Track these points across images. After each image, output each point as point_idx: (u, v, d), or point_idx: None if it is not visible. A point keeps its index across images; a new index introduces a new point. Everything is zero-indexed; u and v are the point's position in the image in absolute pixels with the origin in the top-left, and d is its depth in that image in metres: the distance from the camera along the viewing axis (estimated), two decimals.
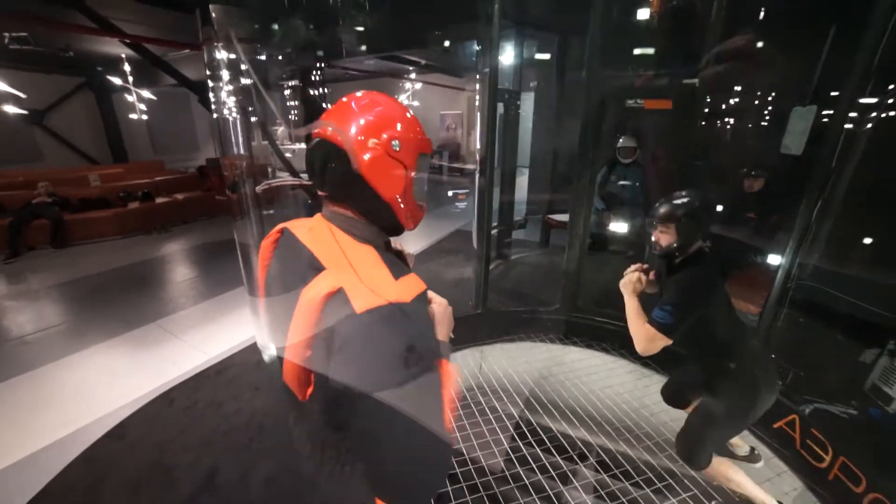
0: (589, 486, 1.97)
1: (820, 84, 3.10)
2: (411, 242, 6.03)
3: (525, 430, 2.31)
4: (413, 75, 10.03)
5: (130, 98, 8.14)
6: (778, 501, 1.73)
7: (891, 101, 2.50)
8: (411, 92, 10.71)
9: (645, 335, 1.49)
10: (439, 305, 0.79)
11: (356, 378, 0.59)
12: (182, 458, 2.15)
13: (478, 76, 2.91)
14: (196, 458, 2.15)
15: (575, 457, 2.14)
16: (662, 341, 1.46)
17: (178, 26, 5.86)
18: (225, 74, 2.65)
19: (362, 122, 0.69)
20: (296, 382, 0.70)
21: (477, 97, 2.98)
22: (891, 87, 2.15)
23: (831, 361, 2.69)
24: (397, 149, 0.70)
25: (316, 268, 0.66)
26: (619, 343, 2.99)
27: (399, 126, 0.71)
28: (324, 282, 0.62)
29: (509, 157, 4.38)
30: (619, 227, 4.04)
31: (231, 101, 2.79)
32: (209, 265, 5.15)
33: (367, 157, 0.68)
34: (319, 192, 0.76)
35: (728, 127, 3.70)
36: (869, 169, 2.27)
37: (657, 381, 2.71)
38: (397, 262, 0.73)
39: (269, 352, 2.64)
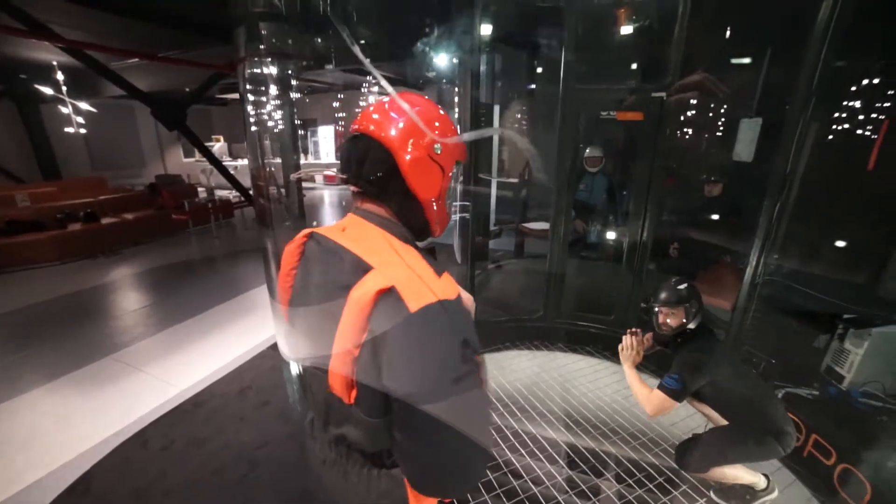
0: (584, 494, 2.01)
1: (762, 99, 3.46)
2: None
3: (514, 441, 2.32)
4: (376, 88, 10.00)
5: (65, 110, 7.43)
6: (763, 474, 1.88)
7: (836, 115, 2.83)
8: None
9: (656, 402, 1.66)
10: (468, 299, 0.79)
11: (417, 377, 0.58)
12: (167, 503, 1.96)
13: (456, 89, 2.97)
14: (182, 502, 1.97)
15: (565, 465, 2.18)
16: (672, 405, 1.64)
17: (122, 33, 5.45)
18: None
19: (407, 121, 0.69)
20: (342, 386, 0.66)
21: (456, 109, 3.02)
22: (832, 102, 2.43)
23: (796, 349, 2.95)
24: (438, 152, 0.71)
25: (363, 268, 0.63)
26: (601, 345, 3.11)
27: (442, 128, 0.72)
28: (372, 280, 0.60)
29: (484, 168, 4.46)
30: (591, 233, 4.22)
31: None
32: (167, 290, 4.78)
33: (409, 156, 0.69)
34: (353, 188, 0.75)
35: (688, 138, 4.02)
36: (816, 176, 2.53)
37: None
38: (431, 260, 0.71)
39: (296, 361, 2.47)
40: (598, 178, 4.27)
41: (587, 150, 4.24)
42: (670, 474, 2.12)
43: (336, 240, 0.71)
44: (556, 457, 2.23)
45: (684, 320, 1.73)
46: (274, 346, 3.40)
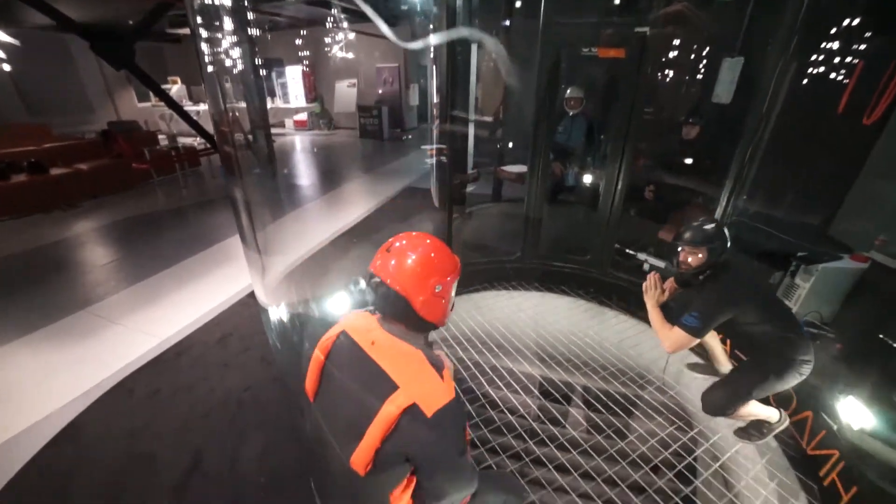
0: (555, 420, 2.19)
1: (746, 38, 3.39)
2: (362, 204, 5.85)
3: (492, 375, 2.46)
4: (345, 24, 9.19)
5: None
6: (779, 409, 1.96)
7: (813, 57, 2.80)
8: (344, 43, 9.85)
9: (675, 338, 1.73)
10: (449, 363, 1.10)
11: (443, 452, 0.91)
12: (159, 445, 2.04)
13: (431, 25, 2.78)
14: (175, 443, 2.05)
15: (539, 395, 2.35)
16: (691, 341, 1.71)
17: None
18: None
19: (413, 275, 0.94)
20: (362, 465, 0.90)
21: (431, 47, 2.84)
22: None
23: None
24: (439, 290, 0.97)
25: (390, 385, 0.88)
26: (576, 284, 3.24)
27: (439, 273, 0.97)
28: (400, 399, 0.86)
29: (461, 109, 4.30)
30: (569, 176, 4.23)
31: None
32: (135, 243, 4.60)
33: (419, 300, 0.95)
34: (378, 314, 1.03)
35: (668, 80, 3.95)
36: (789, 119, 2.57)
37: (611, 316, 3.00)
38: (432, 353, 0.99)
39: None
40: (577, 120, 4.20)
41: (568, 91, 4.13)
42: (635, 399, 2.33)
43: (368, 352, 0.95)
44: (531, 388, 2.41)
45: (705, 260, 1.73)
46: (251, 295, 3.39)
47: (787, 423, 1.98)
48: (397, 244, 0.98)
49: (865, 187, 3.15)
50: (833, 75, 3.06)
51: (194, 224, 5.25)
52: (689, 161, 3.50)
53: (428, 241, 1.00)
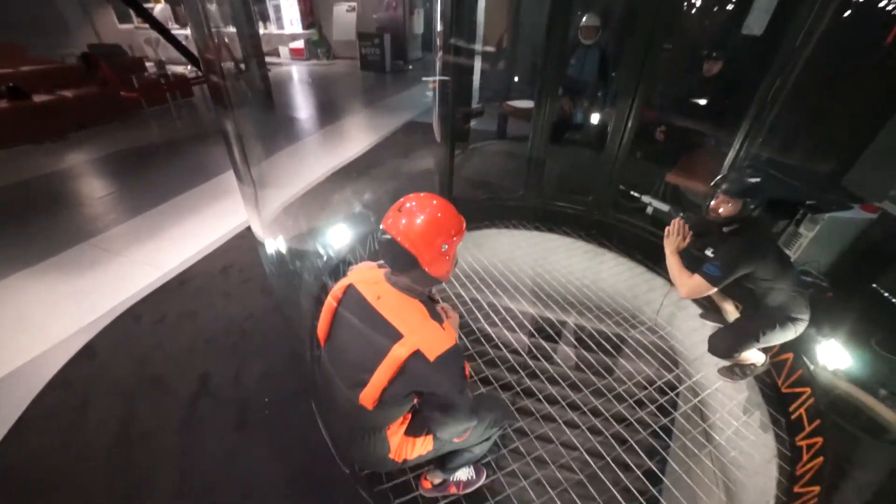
0: (549, 357, 2.28)
1: None
2: (363, 138, 5.66)
3: (489, 311, 2.52)
4: None
5: None
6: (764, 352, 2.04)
7: None
8: None
9: (693, 285, 1.76)
10: (454, 318, 1.26)
11: (445, 391, 1.03)
12: (168, 367, 2.16)
13: None
14: (183, 365, 2.16)
15: (537, 335, 2.43)
16: (708, 290, 1.73)
17: None
18: None
19: (422, 234, 1.00)
20: (370, 402, 1.03)
21: None
22: None
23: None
24: (445, 248, 1.03)
25: (395, 335, 0.99)
26: (577, 225, 3.21)
27: (446, 233, 1.02)
28: (405, 347, 0.97)
29: (467, 38, 3.98)
30: (577, 114, 4.02)
31: None
32: (133, 175, 4.51)
33: (426, 257, 1.01)
34: (386, 267, 1.13)
35: (693, 8, 3.57)
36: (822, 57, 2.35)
37: (610, 258, 3.01)
38: (433, 307, 1.13)
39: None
40: (591, 52, 3.89)
41: (584, 19, 3.77)
42: (626, 338, 2.41)
43: (374, 306, 1.06)
44: (526, 324, 2.48)
45: (737, 213, 1.70)
46: (251, 228, 3.40)
47: (768, 365, 2.07)
48: (408, 205, 1.03)
49: (893, 133, 2.98)
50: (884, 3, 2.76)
51: (191, 157, 5.11)
52: (705, 101, 3.28)
53: (435, 202, 1.05)
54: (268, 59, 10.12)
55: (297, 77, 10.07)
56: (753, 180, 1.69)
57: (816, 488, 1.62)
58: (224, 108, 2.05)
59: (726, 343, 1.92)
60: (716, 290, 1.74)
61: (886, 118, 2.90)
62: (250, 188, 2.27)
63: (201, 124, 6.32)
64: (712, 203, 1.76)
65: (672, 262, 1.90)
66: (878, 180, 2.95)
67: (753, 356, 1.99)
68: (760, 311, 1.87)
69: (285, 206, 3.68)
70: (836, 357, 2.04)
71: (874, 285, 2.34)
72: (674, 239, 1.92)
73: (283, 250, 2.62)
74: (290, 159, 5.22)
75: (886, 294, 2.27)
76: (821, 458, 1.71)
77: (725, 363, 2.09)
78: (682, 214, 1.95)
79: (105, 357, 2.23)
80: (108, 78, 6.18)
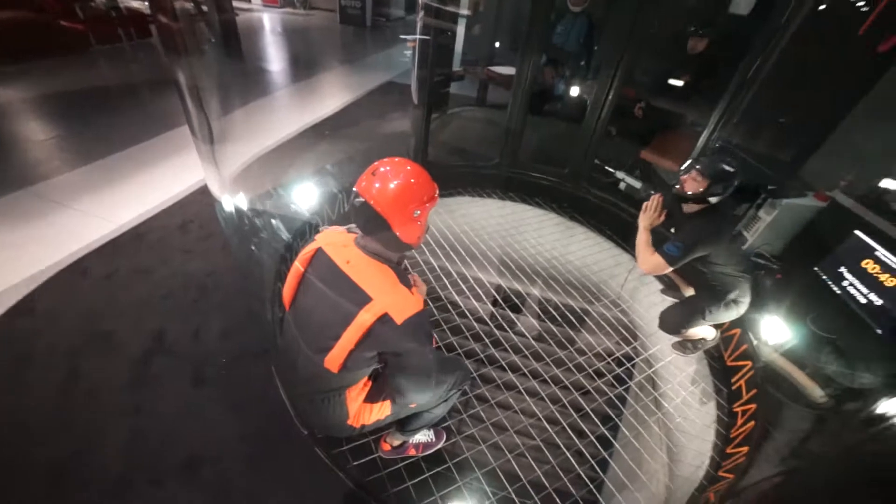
0: (520, 332, 2.32)
1: None
2: (338, 96, 5.39)
3: (458, 279, 2.51)
4: None
5: None
6: (716, 328, 2.16)
7: None
8: None
9: (654, 263, 1.81)
10: (422, 287, 1.31)
11: (411, 354, 1.06)
12: (118, 323, 2.05)
13: None
14: (135, 322, 2.06)
15: (504, 305, 2.45)
16: (666, 269, 1.79)
17: None
18: None
19: (395, 198, 0.99)
20: (336, 365, 1.05)
21: None
22: None
23: None
24: (417, 214, 1.03)
25: (363, 298, 0.99)
26: (550, 198, 3.21)
27: (418, 199, 1.02)
28: (374, 309, 0.98)
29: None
30: (560, 85, 3.95)
31: None
32: (81, 119, 4.10)
33: (398, 222, 1.01)
34: (357, 230, 1.12)
35: None
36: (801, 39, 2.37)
37: (580, 232, 3.05)
38: (403, 273, 1.09)
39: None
40: (578, 20, 3.78)
41: None
42: (589, 311, 2.47)
43: (344, 270, 1.05)
44: (492, 293, 2.50)
45: (701, 193, 1.73)
46: None
47: (718, 341, 2.20)
48: (382, 169, 1.02)
49: (853, 127, 3.09)
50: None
51: (150, 104, 4.71)
52: (686, 80, 3.28)
53: (409, 167, 1.04)
54: (237, 3, 9.33)
55: (268, 26, 9.37)
56: (728, 168, 1.72)
57: (745, 448, 1.76)
58: (175, 54, 1.86)
59: (674, 320, 2.04)
60: (672, 269, 1.81)
61: (848, 110, 3.01)
62: (206, 145, 2.12)
63: (161, 69, 5.80)
64: (682, 176, 1.80)
65: (642, 237, 1.94)
66: (832, 171, 3.08)
67: (703, 332, 2.11)
68: (708, 292, 1.98)
69: (249, 163, 3.48)
70: (776, 333, 2.19)
71: (815, 268, 2.49)
72: (650, 214, 1.96)
73: (244, 209, 2.50)
74: (258, 113, 4.91)
75: (824, 277, 2.43)
76: (752, 423, 1.85)
77: (677, 338, 2.21)
78: (652, 192, 1.98)
79: (47, 312, 2.08)
80: (46, 2, 5.49)
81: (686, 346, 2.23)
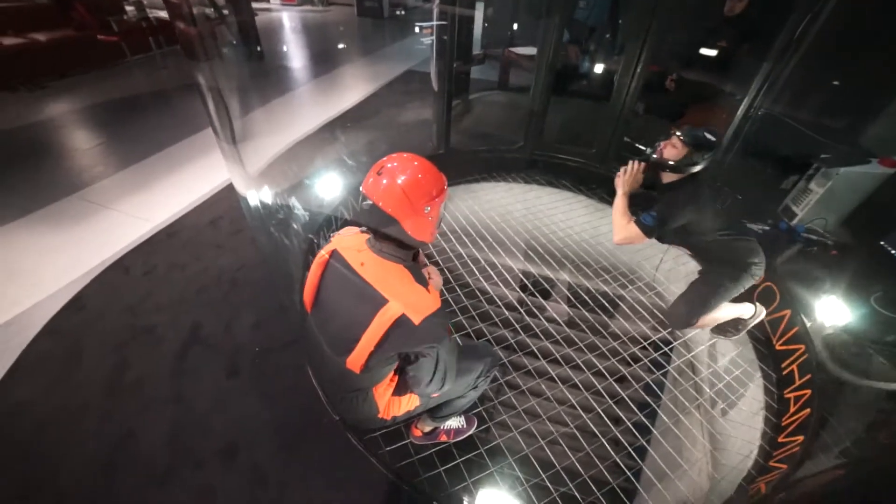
0: (551, 318, 2.25)
1: None
2: (360, 88, 5.40)
3: (486, 266, 2.47)
4: None
5: None
6: (750, 302, 2.03)
7: None
8: None
9: (627, 232, 1.73)
10: (438, 280, 1.29)
11: (429, 352, 1.04)
12: (158, 318, 2.14)
13: None
14: (173, 316, 2.15)
15: (535, 291, 2.39)
16: (640, 240, 1.71)
17: None
18: None
19: (402, 197, 0.96)
20: (357, 366, 1.05)
21: None
22: None
23: (763, 189, 3.01)
24: (427, 210, 1.00)
25: (380, 301, 0.98)
26: (578, 179, 3.10)
27: (427, 195, 0.98)
28: (390, 312, 0.97)
29: None
30: (584, 62, 3.78)
31: None
32: (119, 127, 4.32)
33: (408, 221, 0.99)
34: (368, 231, 1.09)
35: None
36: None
37: (610, 213, 2.91)
38: (418, 270, 1.07)
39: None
40: None
41: None
42: (625, 295, 2.37)
43: (358, 272, 1.04)
44: (522, 279, 2.44)
45: (676, 161, 1.65)
46: None
47: (762, 316, 2.04)
48: (388, 165, 0.99)
49: None
50: None
51: (180, 108, 4.88)
52: (723, 46, 3.04)
53: (416, 163, 1.01)
54: (256, 4, 9.49)
55: (288, 25, 9.49)
56: (710, 136, 1.63)
57: (800, 438, 1.64)
58: (196, 59, 1.88)
59: (680, 313, 1.92)
60: (648, 240, 1.71)
61: None
62: (228, 144, 2.15)
63: (189, 75, 5.99)
64: (662, 143, 1.71)
65: (619, 203, 1.82)
66: None
67: (733, 311, 1.97)
68: (708, 270, 1.88)
69: (274, 159, 3.55)
70: (834, 314, 2.01)
71: (881, 243, 2.27)
72: (627, 178, 1.84)
73: (269, 203, 2.54)
74: (279, 111, 4.99)
75: (894, 252, 2.21)
76: (807, 410, 1.72)
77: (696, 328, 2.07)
78: (638, 159, 1.86)
79: (95, 307, 2.21)
80: (84, 20, 5.79)
81: (726, 329, 2.10)
